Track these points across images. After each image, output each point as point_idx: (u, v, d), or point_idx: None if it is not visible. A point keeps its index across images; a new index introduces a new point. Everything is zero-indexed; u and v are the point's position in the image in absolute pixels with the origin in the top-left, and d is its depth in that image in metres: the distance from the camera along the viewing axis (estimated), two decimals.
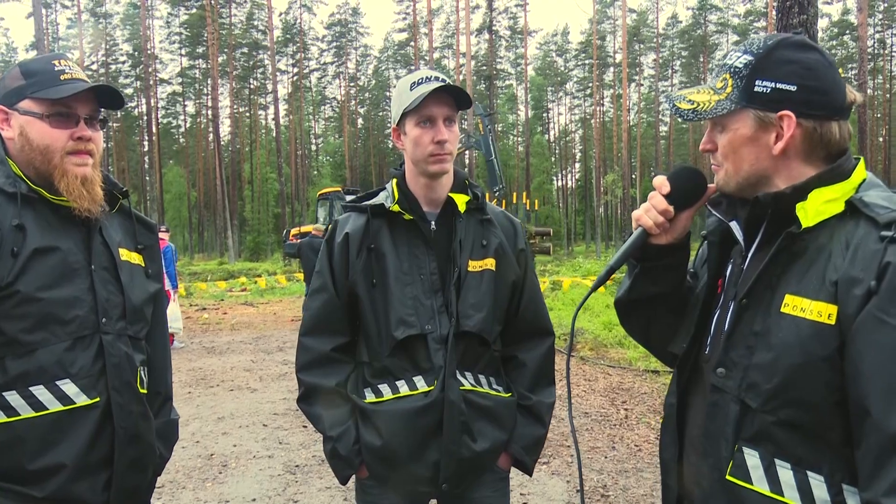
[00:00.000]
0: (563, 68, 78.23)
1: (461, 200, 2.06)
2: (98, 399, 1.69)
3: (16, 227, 1.61)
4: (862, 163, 1.36)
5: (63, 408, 1.63)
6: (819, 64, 1.32)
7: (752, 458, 1.29)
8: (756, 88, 1.33)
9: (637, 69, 68.09)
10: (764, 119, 1.33)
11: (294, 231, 32.29)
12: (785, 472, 1.26)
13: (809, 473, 1.24)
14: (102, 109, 1.77)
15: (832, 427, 1.23)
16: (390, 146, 76.51)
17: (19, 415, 1.59)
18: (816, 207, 1.28)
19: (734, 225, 1.46)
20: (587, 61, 71.34)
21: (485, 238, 2.08)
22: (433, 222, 2.06)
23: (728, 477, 1.31)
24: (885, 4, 58.00)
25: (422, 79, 1.97)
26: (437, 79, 1.97)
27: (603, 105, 65.10)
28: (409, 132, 1.99)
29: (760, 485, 1.28)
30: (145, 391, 1.85)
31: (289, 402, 7.38)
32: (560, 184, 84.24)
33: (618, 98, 61.69)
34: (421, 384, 1.97)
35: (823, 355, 1.20)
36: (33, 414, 1.60)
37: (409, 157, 2.04)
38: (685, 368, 1.54)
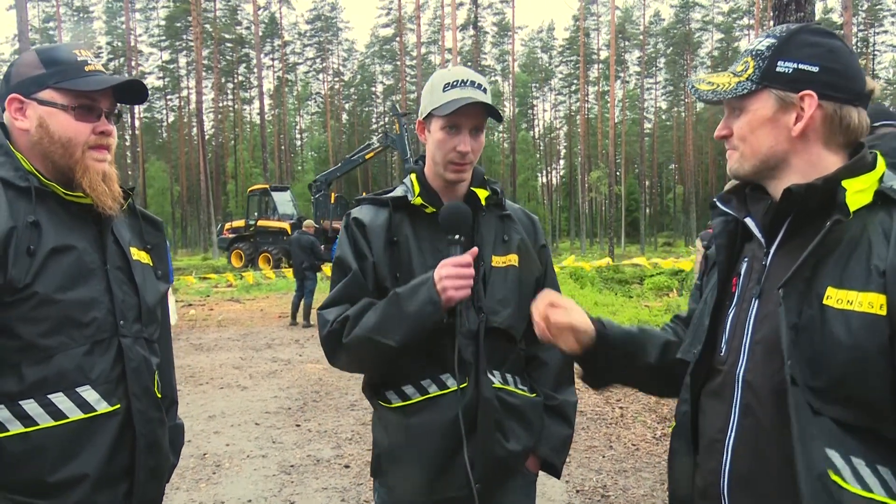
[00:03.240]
0: (547, 65, 78.37)
1: (483, 195, 2.01)
2: (118, 406, 1.61)
3: (31, 224, 1.52)
4: (880, 155, 1.35)
5: (84, 416, 1.55)
6: (841, 49, 1.34)
7: (836, 458, 1.21)
8: (778, 69, 1.33)
9: (622, 66, 68.36)
10: (785, 99, 1.32)
11: (227, 226, 33.74)
12: (863, 468, 1.21)
13: (879, 467, 1.21)
14: (118, 104, 1.70)
15: (888, 424, 1.20)
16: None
17: (38, 424, 1.50)
18: (850, 198, 1.25)
19: (749, 221, 1.43)
20: (572, 58, 71.52)
21: (506, 234, 2.03)
22: None
23: (834, 477, 1.21)
24: (868, 3, 58.64)
25: (457, 81, 1.91)
26: (472, 84, 1.91)
27: (588, 102, 65.29)
28: (434, 133, 1.94)
29: (853, 484, 1.21)
30: (160, 396, 1.78)
31: (280, 401, 7.30)
32: (545, 180, 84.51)
33: (603, 95, 61.88)
34: (451, 382, 1.90)
35: (878, 348, 1.17)
36: (52, 423, 1.51)
37: (430, 155, 1.99)
38: (700, 374, 1.50)
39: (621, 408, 6.81)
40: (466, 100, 1.86)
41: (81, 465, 1.54)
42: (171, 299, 12.43)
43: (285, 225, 29.52)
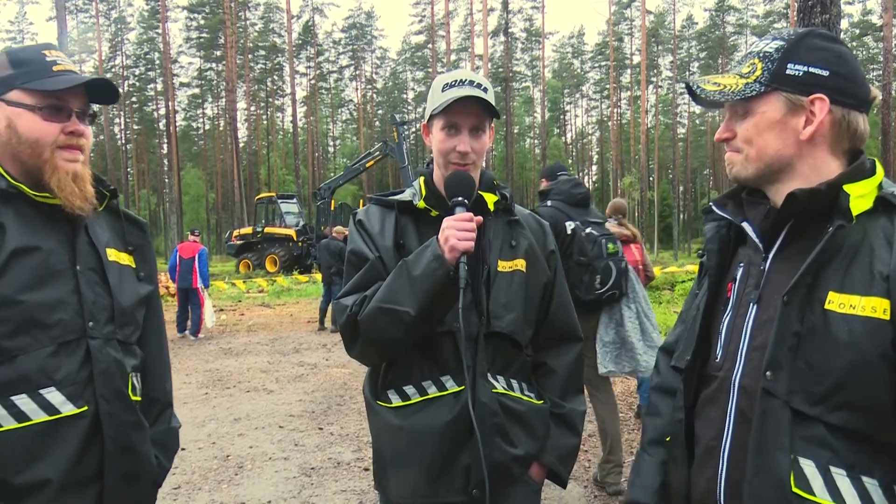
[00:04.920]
0: (579, 70, 77.99)
1: (490, 199, 2.01)
2: (86, 408, 1.58)
3: None
4: (878, 161, 1.35)
5: (48, 418, 1.52)
6: (848, 55, 1.33)
7: (809, 468, 1.21)
8: (788, 71, 1.31)
9: (654, 71, 67.74)
10: (794, 102, 1.31)
11: (235, 233, 34.85)
12: (842, 479, 1.20)
13: (864, 478, 1.20)
14: (93, 104, 1.66)
15: (888, 429, 1.19)
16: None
17: (1, 426, 1.48)
18: (852, 203, 1.24)
19: (746, 225, 1.42)
20: (604, 63, 71.10)
21: (513, 239, 2.02)
22: None
23: (795, 489, 1.21)
24: None
25: (455, 81, 1.91)
26: (471, 83, 1.90)
27: (620, 107, 64.88)
28: (435, 134, 1.96)
29: (823, 496, 1.20)
30: (138, 398, 1.75)
31: (304, 404, 7.38)
32: None
33: (635, 100, 61.37)
34: (450, 384, 1.90)
35: (880, 352, 1.17)
36: (16, 425, 1.49)
37: (435, 158, 2.01)
38: (691, 381, 1.49)
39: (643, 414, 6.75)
40: (461, 95, 1.86)
41: (46, 468, 1.52)
42: (208, 303, 12.81)
43: (291, 232, 31.30)
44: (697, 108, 75.04)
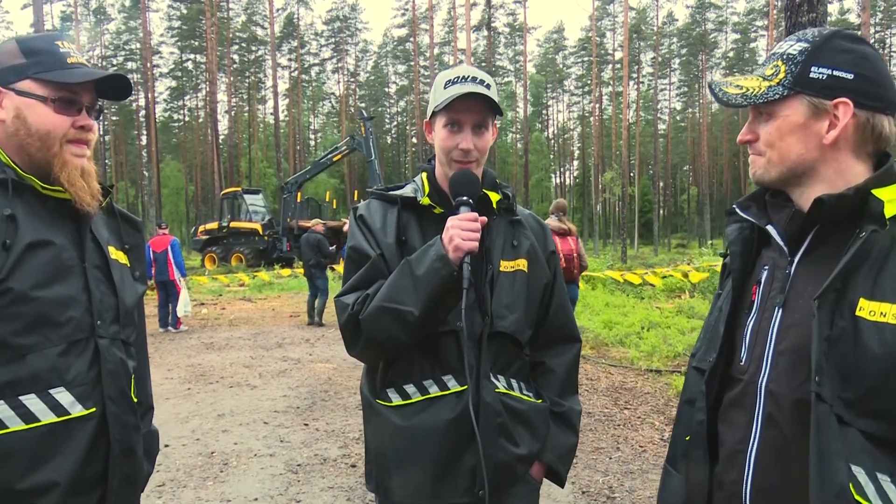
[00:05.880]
0: (561, 65, 78.15)
1: (494, 198, 1.99)
2: (94, 409, 1.53)
3: (7, 218, 1.44)
4: None
5: (57, 419, 1.46)
6: (874, 56, 1.31)
7: (861, 475, 1.17)
8: (812, 74, 1.29)
9: (636, 67, 68.02)
10: (818, 106, 1.29)
11: (201, 228, 35.05)
12: (888, 486, 1.16)
13: None
14: (100, 100, 1.64)
15: None
16: (389, 142, 76.54)
17: (7, 427, 1.41)
18: (886, 209, 1.23)
19: (771, 228, 1.40)
20: (586, 58, 71.29)
21: (515, 239, 2.01)
22: None
23: (857, 497, 1.16)
24: (885, 4, 58.00)
25: (458, 77, 1.89)
26: (473, 79, 1.88)
27: (602, 102, 65.10)
28: (437, 131, 1.94)
29: (877, 502, 1.16)
30: (136, 401, 1.71)
31: (289, 400, 7.32)
32: (558, 181, 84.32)
33: (617, 95, 61.60)
34: (452, 384, 1.88)
35: None
36: (23, 426, 1.42)
37: (437, 155, 1.99)
38: (713, 383, 1.47)
39: (629, 409, 6.79)
40: (463, 92, 1.84)
41: (52, 472, 1.46)
42: (185, 292, 12.79)
43: (257, 226, 31.53)
44: (678, 105, 75.54)
